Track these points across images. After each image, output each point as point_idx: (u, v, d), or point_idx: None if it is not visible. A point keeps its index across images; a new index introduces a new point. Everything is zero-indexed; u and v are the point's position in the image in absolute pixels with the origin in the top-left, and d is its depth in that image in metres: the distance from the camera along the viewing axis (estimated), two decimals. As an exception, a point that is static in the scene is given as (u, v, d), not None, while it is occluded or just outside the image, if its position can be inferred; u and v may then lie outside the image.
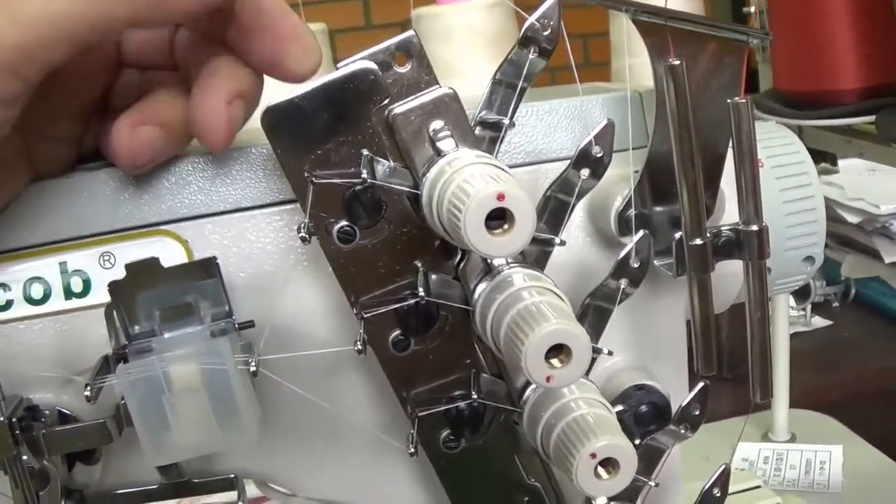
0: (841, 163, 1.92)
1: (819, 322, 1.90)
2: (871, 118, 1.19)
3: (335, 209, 0.55)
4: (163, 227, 0.59)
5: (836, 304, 1.96)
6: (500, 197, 0.47)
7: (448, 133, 0.54)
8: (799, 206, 0.70)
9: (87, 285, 0.59)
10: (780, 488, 1.39)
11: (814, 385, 1.71)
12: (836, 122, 1.22)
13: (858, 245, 1.92)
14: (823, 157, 1.50)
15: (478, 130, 0.55)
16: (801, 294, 1.86)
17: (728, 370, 1.62)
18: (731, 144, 0.59)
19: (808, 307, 1.89)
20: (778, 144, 0.72)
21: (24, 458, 0.56)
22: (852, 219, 1.89)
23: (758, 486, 1.25)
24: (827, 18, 1.20)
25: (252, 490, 0.67)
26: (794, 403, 1.54)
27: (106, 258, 0.59)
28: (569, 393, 0.57)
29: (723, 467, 0.64)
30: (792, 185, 0.70)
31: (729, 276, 0.64)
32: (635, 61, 1.22)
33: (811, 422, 1.56)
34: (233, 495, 0.63)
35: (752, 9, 1.43)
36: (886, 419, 1.64)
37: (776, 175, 0.70)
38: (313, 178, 0.54)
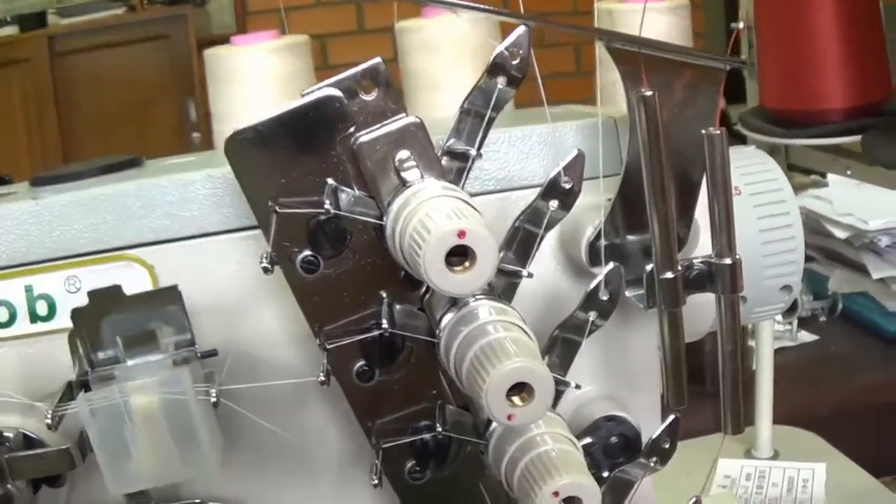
0: (830, 176, 1.92)
1: (805, 337, 1.88)
2: (858, 138, 1.19)
3: (299, 238, 0.54)
4: (128, 252, 0.59)
5: (822, 318, 1.94)
6: (462, 234, 0.46)
7: (414, 163, 0.53)
8: (777, 234, 0.69)
9: (52, 309, 0.59)
10: (762, 507, 1.38)
11: (799, 400, 1.69)
12: (824, 141, 1.21)
13: (846, 260, 1.92)
14: (813, 170, 1.49)
15: (445, 160, 0.55)
16: (788, 308, 1.84)
17: (711, 385, 1.61)
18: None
19: (795, 322, 1.87)
20: (756, 171, 0.71)
21: (-12, 481, 0.55)
22: (840, 234, 1.88)
23: (731, 507, 1.24)
24: (815, 37, 1.19)
25: None
26: (779, 419, 1.52)
27: (71, 282, 0.59)
28: (535, 427, 0.56)
29: (693, 499, 0.63)
30: (770, 213, 0.69)
31: (703, 305, 0.63)
32: (616, 76, 1.21)
33: (795, 439, 1.54)
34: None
35: (741, 24, 1.42)
36: (871, 437, 1.63)
37: (754, 203, 0.69)
38: (276, 208, 0.53)
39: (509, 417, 0.49)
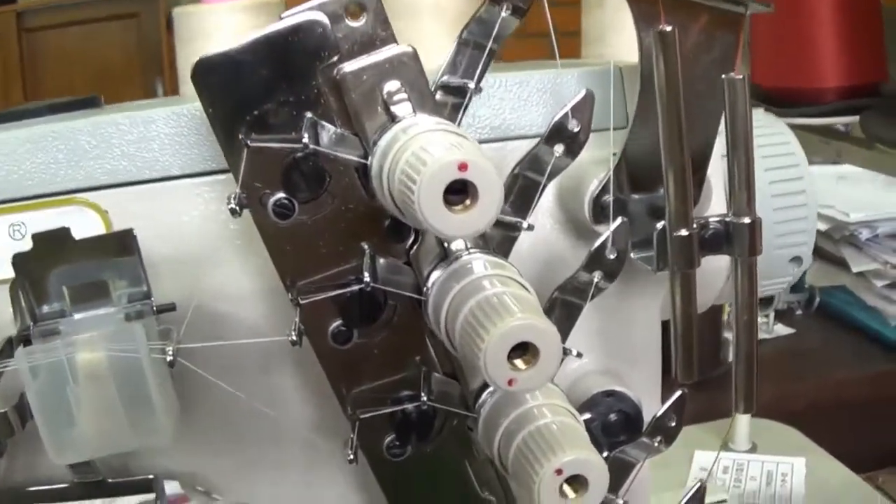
0: (811, 168, 1.89)
1: (781, 330, 1.85)
2: (850, 119, 1.16)
3: (272, 179, 0.49)
4: (80, 196, 0.54)
5: (799, 312, 1.92)
6: (463, 167, 0.40)
7: (405, 96, 0.48)
8: (789, 201, 0.64)
9: (-7, 258, 0.54)
10: (741, 501, 1.34)
11: (774, 394, 1.67)
12: (817, 121, 1.17)
13: (824, 253, 1.89)
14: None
15: (439, 95, 0.50)
16: (764, 300, 1.81)
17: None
18: (723, 126, 0.53)
19: (771, 314, 1.85)
20: (767, 134, 0.66)
21: (-85, 448, 0.51)
22: (820, 226, 1.86)
23: (723, 500, 1.20)
24: (812, 13, 1.15)
25: (172, 487, 0.61)
26: (754, 412, 1.49)
27: (16, 228, 0.54)
28: (531, 398, 0.51)
29: (698, 485, 0.58)
30: (782, 177, 0.64)
31: (710, 273, 0.58)
32: (607, 51, 1.16)
33: (773, 432, 1.51)
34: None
35: None
36: (846, 432, 1.61)
37: (765, 166, 0.64)
38: (248, 142, 0.48)
39: (510, 382, 0.43)
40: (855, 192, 1.88)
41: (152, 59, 3.27)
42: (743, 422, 1.47)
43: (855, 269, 1.81)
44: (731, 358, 1.47)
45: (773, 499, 1.35)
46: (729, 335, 1.68)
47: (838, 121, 1.17)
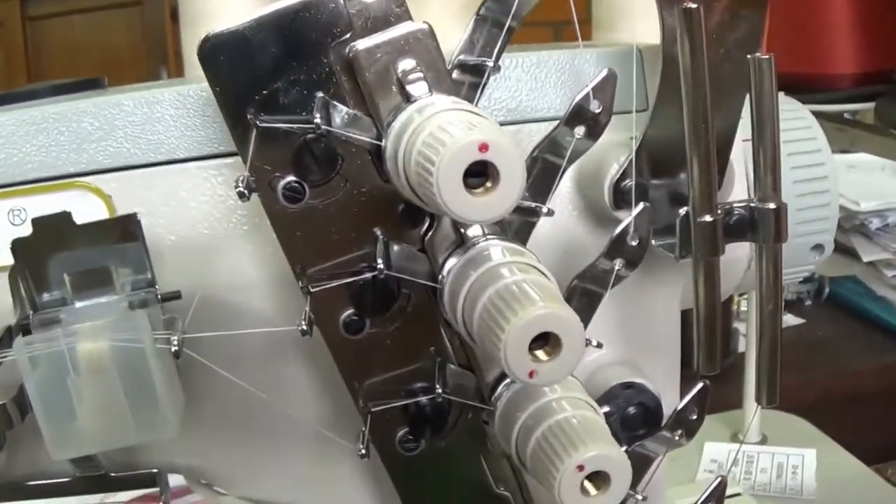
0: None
1: (791, 320, 1.84)
2: (861, 106, 1.14)
3: (282, 161, 0.47)
4: (82, 180, 0.53)
5: (808, 302, 1.91)
6: (483, 147, 0.38)
7: (420, 75, 0.46)
8: (811, 187, 0.62)
9: (-9, 244, 0.52)
10: (751, 493, 1.33)
11: (784, 385, 1.65)
12: (829, 107, 1.16)
13: (834, 242, 1.88)
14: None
15: (456, 74, 0.48)
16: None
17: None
18: (746, 108, 0.51)
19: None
20: (789, 118, 0.64)
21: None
22: (831, 215, 1.84)
23: (737, 494, 1.19)
24: (826, -4, 1.14)
25: (176, 480, 0.60)
26: (777, 404, 1.48)
27: (16, 213, 0.53)
28: (550, 391, 0.49)
29: (718, 480, 0.56)
30: (804, 163, 0.62)
31: (730, 261, 0.57)
32: (618, 37, 1.14)
33: (783, 423, 1.50)
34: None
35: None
36: (857, 423, 1.60)
37: (787, 151, 0.62)
38: (257, 123, 0.46)
39: (531, 374, 0.41)
40: (865, 180, 1.87)
41: (156, 46, 3.26)
42: (753, 413, 1.46)
43: (865, 259, 1.80)
44: (741, 348, 1.46)
45: (784, 490, 1.34)
46: (738, 325, 1.67)
47: (850, 107, 1.15)
